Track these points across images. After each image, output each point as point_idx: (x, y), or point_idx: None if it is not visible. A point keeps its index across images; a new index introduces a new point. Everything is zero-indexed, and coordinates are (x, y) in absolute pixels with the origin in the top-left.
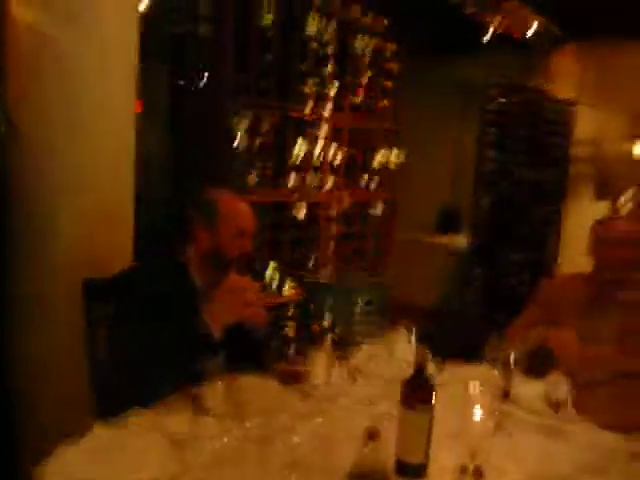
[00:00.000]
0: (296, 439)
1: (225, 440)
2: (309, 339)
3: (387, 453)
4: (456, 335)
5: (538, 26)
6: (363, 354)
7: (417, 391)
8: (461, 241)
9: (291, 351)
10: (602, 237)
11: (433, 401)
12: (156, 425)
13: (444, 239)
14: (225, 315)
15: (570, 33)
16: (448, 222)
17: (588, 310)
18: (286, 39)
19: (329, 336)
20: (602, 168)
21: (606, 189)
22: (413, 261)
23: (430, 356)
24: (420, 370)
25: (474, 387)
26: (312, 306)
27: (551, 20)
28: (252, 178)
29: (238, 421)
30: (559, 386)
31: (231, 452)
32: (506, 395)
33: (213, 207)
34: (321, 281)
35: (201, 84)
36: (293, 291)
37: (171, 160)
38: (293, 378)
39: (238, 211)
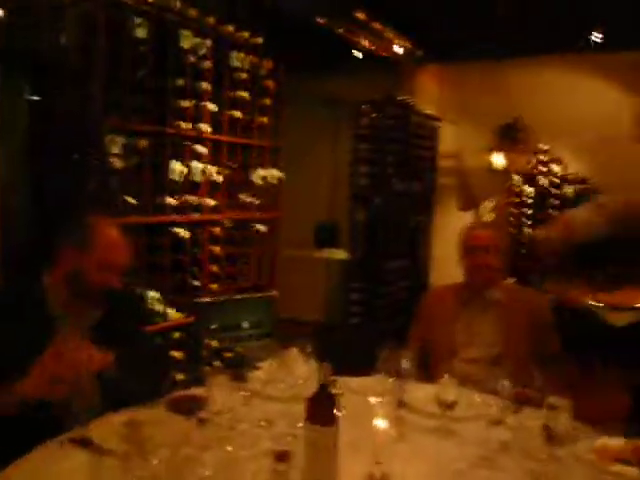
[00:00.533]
0: (207, 472)
1: None
2: (199, 363)
3: (296, 475)
4: (346, 348)
5: (403, 47)
6: (260, 376)
7: (322, 407)
8: (340, 255)
9: (182, 377)
10: (469, 244)
11: (337, 415)
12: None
13: (324, 253)
14: (31, 389)
15: (432, 55)
16: (326, 237)
17: (463, 313)
18: (161, 53)
19: (223, 359)
20: (465, 179)
21: (469, 199)
22: (297, 277)
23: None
24: (324, 386)
25: (374, 398)
26: (199, 329)
27: (414, 43)
28: (128, 199)
29: (142, 459)
30: (449, 388)
31: None
32: (401, 403)
33: (84, 233)
34: (207, 303)
35: (67, 102)
36: (178, 315)
37: (31, 183)
38: (190, 406)
39: (111, 242)
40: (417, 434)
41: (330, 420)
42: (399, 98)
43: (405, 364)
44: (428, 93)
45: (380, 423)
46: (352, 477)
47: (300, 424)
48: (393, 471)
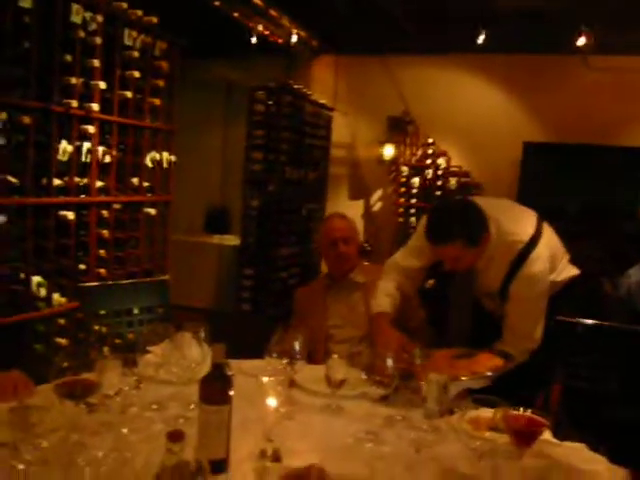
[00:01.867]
0: (99, 454)
1: (21, 467)
2: (88, 349)
3: (189, 453)
4: (238, 335)
5: (298, 36)
6: (151, 359)
7: (217, 386)
8: (232, 241)
9: (70, 364)
10: (329, 238)
11: (231, 394)
12: None
13: (215, 239)
14: None
15: (327, 46)
16: (217, 222)
17: (332, 299)
18: (48, 26)
19: (112, 345)
20: (356, 169)
21: (359, 189)
22: (189, 263)
23: (224, 352)
24: (218, 365)
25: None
26: (87, 315)
27: (310, 32)
28: (10, 178)
29: (31, 446)
30: (338, 368)
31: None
32: (292, 383)
33: None
34: (94, 287)
35: None
36: (64, 300)
37: None
38: (79, 391)
39: None
40: (307, 412)
41: (224, 399)
42: (294, 86)
43: (296, 346)
44: (323, 83)
45: (271, 402)
46: (244, 454)
47: (192, 406)
48: (284, 447)
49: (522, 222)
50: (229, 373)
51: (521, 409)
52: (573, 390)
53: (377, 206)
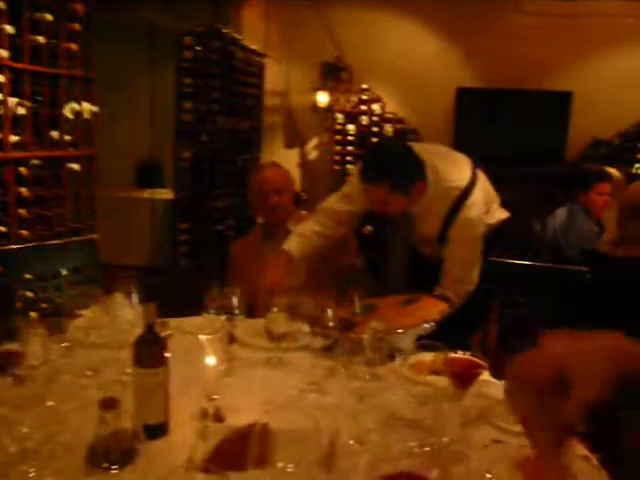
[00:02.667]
0: (24, 429)
1: None
2: (12, 316)
3: (127, 420)
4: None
5: None
6: (81, 324)
7: (150, 349)
8: (165, 194)
9: None
10: (262, 189)
11: (167, 355)
12: None
13: (146, 193)
14: None
15: None
16: (148, 176)
17: (268, 251)
18: None
19: (39, 310)
20: (290, 117)
21: (295, 137)
22: (119, 219)
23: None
24: (150, 326)
25: (204, 336)
26: (10, 279)
27: None
28: None
29: None
30: (279, 321)
31: None
32: (232, 338)
33: None
34: (16, 250)
35: None
36: None
37: None
38: (3, 363)
39: None
40: (248, 367)
41: (159, 361)
42: (223, 31)
43: (234, 301)
44: (253, 29)
45: (210, 360)
46: (184, 415)
47: (128, 370)
48: (225, 404)
49: (458, 168)
50: (165, 333)
51: (460, 352)
52: (508, 328)
53: (313, 154)
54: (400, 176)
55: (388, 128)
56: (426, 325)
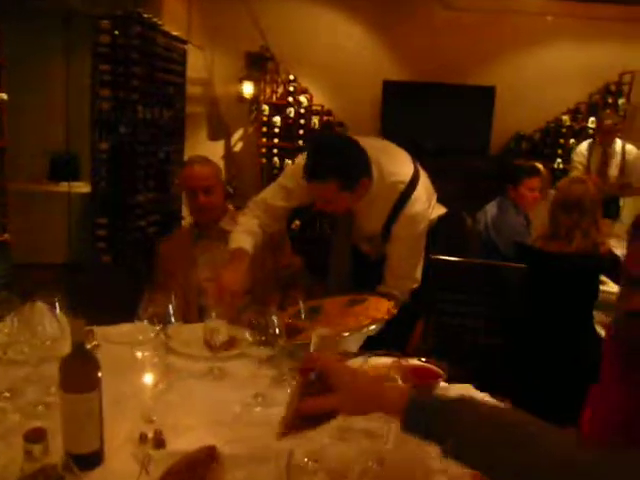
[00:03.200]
0: None
1: None
2: None
3: (54, 448)
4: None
5: None
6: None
7: (80, 371)
8: (82, 188)
9: None
10: (190, 187)
11: (99, 377)
12: None
13: (62, 187)
14: None
15: None
16: (63, 168)
17: (200, 251)
18: None
19: None
20: (214, 108)
21: (219, 129)
22: (33, 215)
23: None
24: (78, 345)
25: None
26: None
27: None
28: None
29: None
30: (218, 329)
31: None
32: (168, 349)
33: None
34: None
35: None
36: None
37: None
38: None
39: None
40: (187, 381)
41: (90, 385)
42: (144, 15)
43: (169, 309)
44: (174, 14)
45: (147, 378)
46: (121, 440)
47: (53, 388)
48: (166, 426)
49: (401, 162)
50: (91, 344)
51: (414, 358)
52: (443, 325)
53: (238, 146)
54: (348, 174)
55: (315, 120)
56: (373, 326)
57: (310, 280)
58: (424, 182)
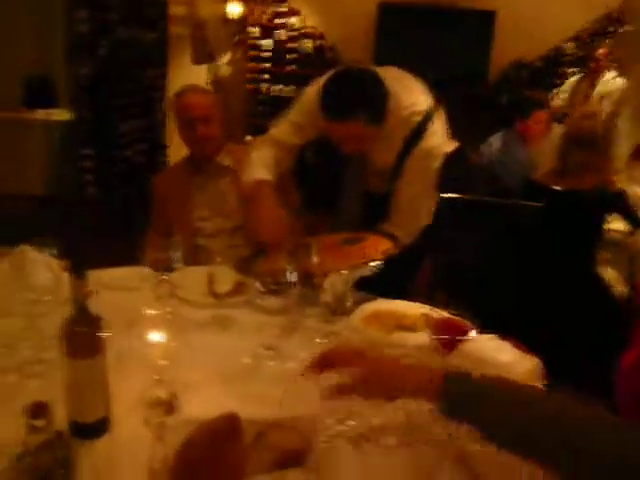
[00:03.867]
0: None
1: None
2: None
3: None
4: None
5: None
6: None
7: (83, 335)
8: (61, 115)
9: None
10: (185, 117)
11: (103, 339)
12: None
13: (38, 115)
14: None
15: None
16: (38, 95)
17: (196, 187)
18: None
19: None
20: (199, 30)
21: (204, 51)
22: (8, 144)
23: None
24: (81, 308)
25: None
26: None
27: None
28: None
29: None
30: (222, 276)
31: None
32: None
33: None
34: None
35: None
36: None
37: None
38: None
39: None
40: (192, 331)
41: (95, 348)
42: None
43: (173, 253)
44: None
45: (156, 337)
46: (130, 404)
47: (49, 343)
48: (176, 382)
49: (418, 92)
50: (89, 290)
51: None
52: (447, 265)
53: (224, 71)
54: (375, 107)
55: (307, 44)
56: (371, 264)
57: (311, 217)
58: (441, 115)
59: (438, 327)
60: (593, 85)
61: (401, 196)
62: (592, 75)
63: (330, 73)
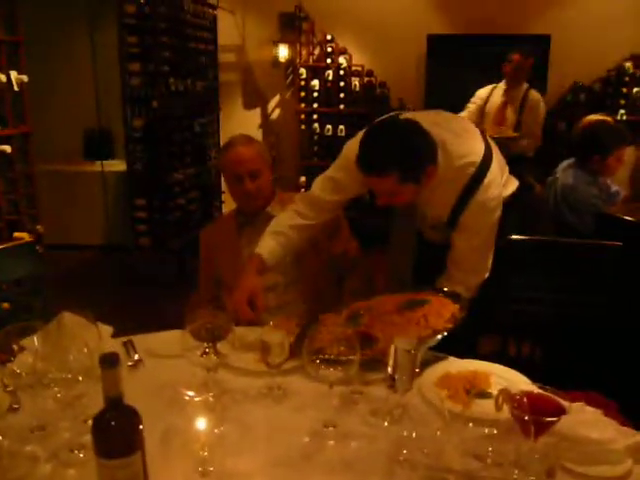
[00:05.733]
0: None
1: None
2: None
3: None
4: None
5: None
6: (24, 360)
7: (116, 432)
8: (117, 166)
9: None
10: (234, 173)
11: (141, 433)
12: None
13: (96, 166)
14: None
15: None
16: (98, 147)
17: (246, 240)
18: None
19: None
20: (248, 75)
21: (255, 96)
22: (69, 194)
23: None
24: (113, 401)
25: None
26: None
27: None
28: None
29: None
30: (276, 342)
31: None
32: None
33: None
34: None
35: None
36: None
37: None
38: None
39: None
40: (243, 404)
41: (131, 446)
42: None
43: (220, 322)
44: None
45: (202, 424)
46: None
47: (90, 422)
48: (224, 473)
49: (470, 139)
50: (133, 360)
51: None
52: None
53: (275, 114)
54: (411, 163)
55: (356, 82)
56: (438, 337)
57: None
58: (498, 160)
59: (522, 406)
60: (508, 95)
61: (458, 250)
62: (507, 84)
63: (370, 125)
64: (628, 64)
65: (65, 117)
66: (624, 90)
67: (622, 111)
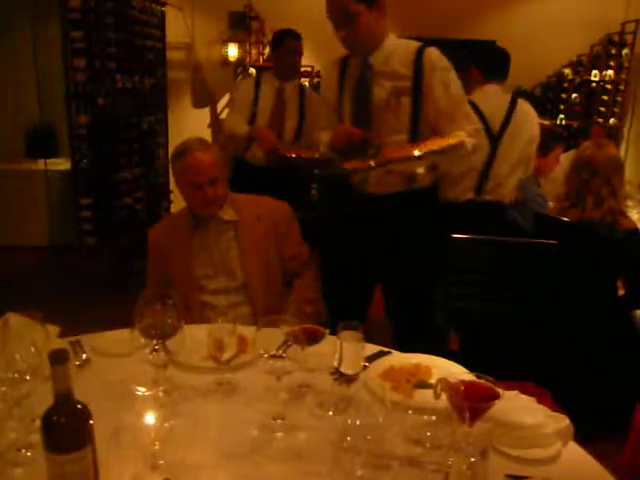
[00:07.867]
0: None
1: None
2: None
3: None
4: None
5: None
6: None
7: (66, 426)
8: (61, 165)
9: None
10: (191, 181)
11: (92, 428)
12: None
13: (40, 164)
14: None
15: None
16: (40, 145)
17: (197, 243)
18: None
19: None
20: (197, 73)
21: (204, 95)
22: (10, 195)
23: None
24: (62, 396)
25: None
26: None
27: None
28: None
29: None
30: (224, 339)
31: None
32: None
33: None
34: None
35: None
36: None
37: None
38: None
39: None
40: (194, 400)
41: (81, 440)
42: None
43: (168, 320)
44: None
45: (151, 419)
46: None
47: (37, 421)
48: (175, 466)
49: None
50: (81, 360)
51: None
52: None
53: (225, 113)
54: None
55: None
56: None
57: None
58: None
59: (459, 393)
60: (282, 91)
61: (445, 110)
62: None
63: None
64: (567, 70)
65: (5, 114)
66: (563, 96)
67: (561, 116)
